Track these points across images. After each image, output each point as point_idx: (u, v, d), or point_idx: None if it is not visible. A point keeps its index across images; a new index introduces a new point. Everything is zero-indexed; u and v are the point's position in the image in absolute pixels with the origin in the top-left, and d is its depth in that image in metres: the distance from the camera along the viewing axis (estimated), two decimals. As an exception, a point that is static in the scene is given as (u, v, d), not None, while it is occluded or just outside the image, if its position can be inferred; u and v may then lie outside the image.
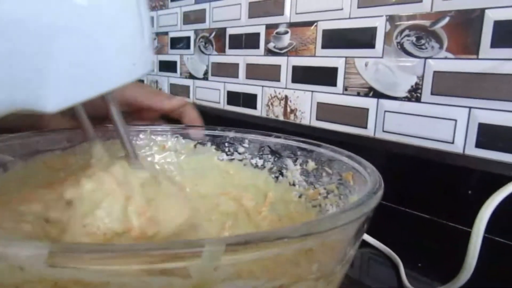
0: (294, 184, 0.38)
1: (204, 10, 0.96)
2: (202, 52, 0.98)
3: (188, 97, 1.05)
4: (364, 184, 0.28)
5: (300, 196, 0.37)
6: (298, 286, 0.18)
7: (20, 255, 0.14)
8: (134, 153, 0.29)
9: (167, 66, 1.13)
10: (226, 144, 0.41)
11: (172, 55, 1.10)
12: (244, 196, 0.39)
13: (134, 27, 0.24)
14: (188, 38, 1.03)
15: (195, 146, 0.42)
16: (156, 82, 1.18)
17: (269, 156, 0.40)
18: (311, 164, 0.37)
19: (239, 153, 0.41)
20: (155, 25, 1.16)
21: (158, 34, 1.15)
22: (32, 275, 0.14)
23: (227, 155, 0.41)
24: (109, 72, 0.23)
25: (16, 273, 0.14)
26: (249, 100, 0.85)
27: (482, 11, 0.50)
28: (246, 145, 0.41)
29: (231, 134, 0.41)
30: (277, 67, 0.78)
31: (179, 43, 1.07)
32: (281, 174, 0.39)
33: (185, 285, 0.15)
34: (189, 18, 1.02)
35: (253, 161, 0.40)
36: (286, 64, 0.76)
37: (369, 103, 0.63)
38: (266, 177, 0.39)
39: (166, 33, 1.12)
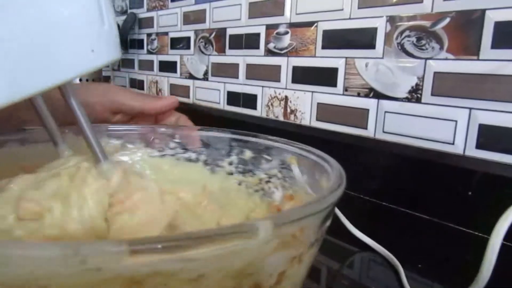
0: (232, 173, 0.38)
1: (204, 11, 0.96)
2: (202, 52, 0.98)
3: (188, 97, 1.05)
4: (314, 165, 0.31)
5: (240, 184, 0.38)
6: (310, 252, 0.22)
7: (98, 255, 0.14)
8: (103, 153, 0.27)
9: (167, 67, 1.13)
10: (156, 141, 0.40)
11: (172, 55, 1.10)
12: (181, 189, 0.38)
13: (90, 11, 0.22)
14: (188, 38, 1.03)
15: (122, 145, 0.41)
16: (156, 82, 1.18)
17: (202, 149, 0.40)
18: (248, 153, 0.38)
19: (171, 149, 0.40)
20: (155, 26, 1.16)
21: (158, 34, 1.15)
22: (110, 274, 0.15)
23: (158, 151, 0.40)
24: (63, 60, 0.20)
25: (92, 275, 0.14)
26: (249, 100, 0.85)
27: (482, 12, 0.50)
28: (177, 140, 0.40)
29: (161, 129, 0.41)
30: (277, 68, 0.77)
31: (179, 43, 1.07)
32: (217, 165, 0.39)
33: (244, 261, 0.17)
34: (189, 18, 1.02)
35: (186, 155, 0.40)
36: (286, 64, 0.76)
37: (369, 103, 0.63)
38: (201, 169, 0.40)
39: (166, 33, 1.12)
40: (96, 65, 0.22)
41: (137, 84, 1.28)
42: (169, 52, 1.11)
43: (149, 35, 1.20)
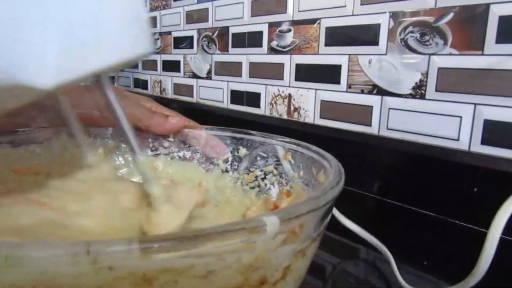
0: (227, 171, 0.39)
1: (206, 9, 0.96)
2: (205, 51, 0.98)
3: (192, 96, 1.05)
4: (311, 160, 0.31)
5: (235, 181, 0.38)
6: (312, 246, 0.22)
7: (110, 254, 0.14)
8: (138, 147, 0.28)
9: (171, 66, 1.13)
10: (150, 140, 0.40)
11: (175, 55, 1.10)
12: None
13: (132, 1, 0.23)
14: (191, 37, 1.03)
15: (116, 145, 0.40)
16: (160, 82, 1.18)
17: (197, 147, 0.40)
18: (243, 151, 0.38)
19: (165, 148, 0.40)
20: (158, 25, 1.16)
21: (161, 34, 1.16)
22: (121, 273, 0.15)
23: (152, 150, 0.40)
24: (111, 43, 0.21)
25: (103, 273, 0.15)
26: (253, 99, 0.85)
27: (486, 6, 0.49)
28: (171, 139, 0.40)
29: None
30: (280, 66, 0.77)
31: (182, 42, 1.07)
32: (212, 163, 0.39)
33: (251, 256, 0.18)
34: (192, 17, 1.02)
35: (181, 154, 0.40)
36: (289, 62, 0.75)
37: (373, 100, 0.63)
38: (196, 168, 0.40)
39: (169, 33, 1.12)
40: (135, 55, 0.23)
41: (141, 84, 1.28)
42: (172, 51, 1.11)
43: (152, 34, 1.19)
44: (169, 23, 1.11)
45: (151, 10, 1.18)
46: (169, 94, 1.14)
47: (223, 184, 0.38)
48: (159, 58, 1.17)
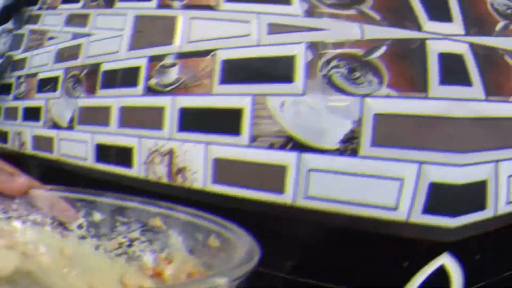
0: (84, 237, 0.39)
1: (79, 46, 0.85)
2: (70, 94, 0.85)
3: (52, 152, 0.90)
4: (189, 225, 0.33)
5: (97, 248, 0.38)
6: None
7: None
8: None
9: (31, 114, 0.99)
10: None
11: (38, 100, 0.97)
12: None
13: None
14: (57, 78, 0.91)
15: None
16: (19, 134, 1.03)
17: (46, 211, 0.40)
18: (97, 215, 0.39)
19: (14, 210, 0.40)
20: (28, 67, 1.04)
21: (28, 76, 1.02)
22: None
23: (4, 213, 0.40)
24: None
25: None
26: (123, 155, 0.71)
27: (422, 41, 0.46)
28: (18, 201, 0.40)
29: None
30: (159, 110, 0.64)
31: (47, 84, 0.94)
32: (65, 228, 0.39)
33: None
34: (62, 55, 0.91)
35: (31, 218, 0.40)
36: (171, 105, 0.63)
37: (287, 158, 0.52)
38: (51, 233, 0.40)
39: (36, 75, 0.99)
40: None
41: (1, 137, 1.12)
42: (35, 96, 0.99)
43: (19, 77, 1.06)
44: (38, 63, 1.00)
45: (25, 50, 1.05)
46: (29, 148, 1.00)
47: (85, 252, 0.39)
48: (21, 105, 1.04)
